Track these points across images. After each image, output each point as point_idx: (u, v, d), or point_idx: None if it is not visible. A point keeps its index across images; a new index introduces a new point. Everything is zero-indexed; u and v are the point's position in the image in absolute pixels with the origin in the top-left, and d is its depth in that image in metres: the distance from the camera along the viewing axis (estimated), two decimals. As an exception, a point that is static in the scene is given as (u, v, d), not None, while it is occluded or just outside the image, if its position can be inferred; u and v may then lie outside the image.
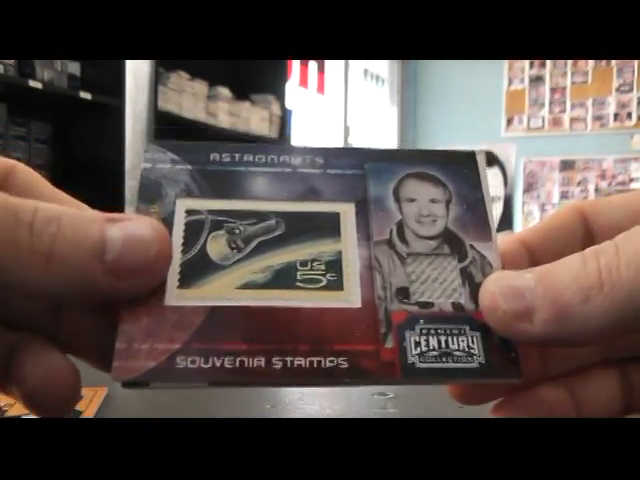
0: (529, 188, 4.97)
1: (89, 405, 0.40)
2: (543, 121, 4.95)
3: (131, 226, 0.20)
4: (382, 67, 5.20)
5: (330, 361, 0.21)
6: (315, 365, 0.21)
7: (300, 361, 0.21)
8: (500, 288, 0.21)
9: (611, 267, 0.19)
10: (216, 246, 0.23)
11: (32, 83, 2.34)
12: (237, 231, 0.23)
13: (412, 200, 0.24)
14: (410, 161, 0.25)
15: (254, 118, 3.56)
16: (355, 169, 0.25)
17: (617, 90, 4.75)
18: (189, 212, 0.23)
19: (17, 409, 0.39)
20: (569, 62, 4.80)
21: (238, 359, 0.21)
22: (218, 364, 0.21)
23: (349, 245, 0.23)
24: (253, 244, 0.23)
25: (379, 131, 5.23)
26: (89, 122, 2.62)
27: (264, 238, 0.23)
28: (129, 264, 0.20)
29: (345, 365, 0.21)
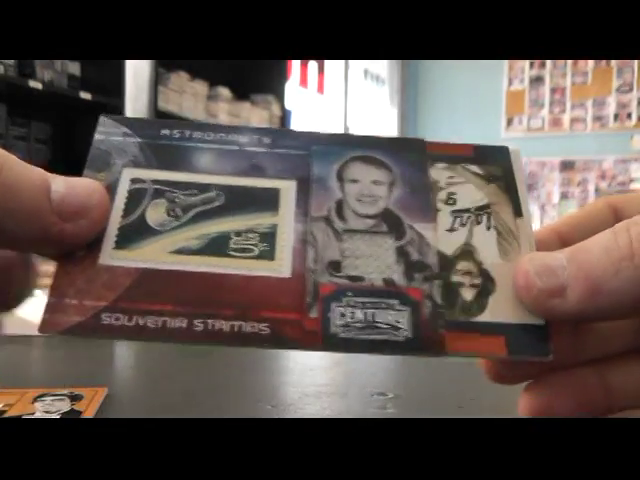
0: (529, 188, 4.97)
1: (89, 405, 0.40)
2: (543, 121, 4.95)
3: (72, 179, 0.22)
4: (382, 67, 5.20)
5: (252, 327, 0.22)
6: (236, 329, 0.22)
7: (222, 324, 0.22)
8: (534, 267, 0.21)
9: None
10: (155, 213, 0.24)
11: (32, 83, 2.34)
12: (177, 200, 0.24)
13: (355, 181, 0.25)
14: (357, 145, 0.26)
15: (254, 118, 3.56)
16: (301, 150, 0.26)
17: (617, 90, 4.75)
18: (133, 181, 0.24)
19: (17, 409, 0.39)
20: (569, 62, 4.80)
21: (161, 319, 0.22)
22: (141, 323, 0.22)
23: (286, 219, 0.24)
24: (191, 213, 0.24)
25: (379, 131, 5.23)
26: (89, 122, 2.61)
27: (203, 208, 0.24)
28: (73, 205, 0.21)
29: (267, 331, 0.22)
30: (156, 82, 3.02)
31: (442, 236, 0.24)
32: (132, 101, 2.89)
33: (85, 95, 2.54)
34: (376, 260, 0.23)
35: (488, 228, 0.24)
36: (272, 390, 0.47)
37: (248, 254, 0.23)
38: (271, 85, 3.66)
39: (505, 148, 0.26)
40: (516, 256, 0.23)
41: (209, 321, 0.22)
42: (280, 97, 3.70)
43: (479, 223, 0.24)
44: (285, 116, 3.74)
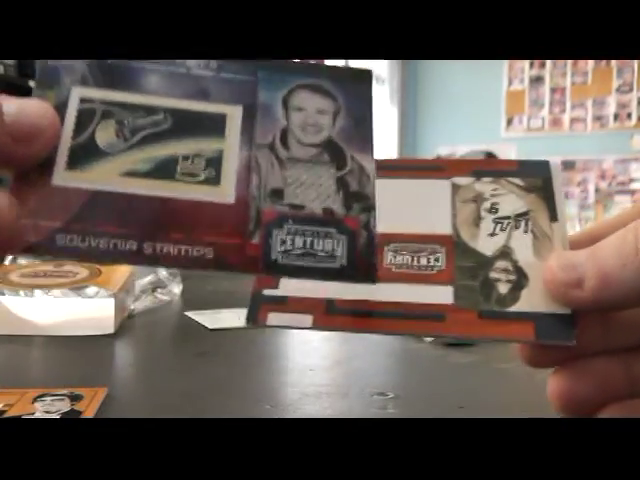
0: (529, 188, 4.96)
1: (89, 405, 0.40)
2: (543, 121, 4.95)
3: (23, 100, 0.22)
4: (382, 67, 5.20)
5: (197, 251, 0.23)
6: (183, 253, 0.23)
7: (169, 248, 0.23)
8: (558, 263, 0.24)
9: None
10: (104, 134, 0.24)
11: (32, 83, 2.34)
12: (126, 122, 0.24)
13: (300, 109, 0.26)
14: (303, 73, 0.26)
15: (254, 118, 3.55)
16: (248, 75, 0.26)
17: (617, 90, 4.75)
18: (82, 100, 0.25)
19: (17, 409, 0.39)
20: (569, 62, 4.80)
21: (112, 241, 0.23)
22: (94, 244, 0.22)
23: (231, 145, 0.25)
24: (139, 136, 0.24)
25: (379, 131, 5.23)
26: (89, 122, 2.61)
27: (151, 131, 0.24)
28: (25, 127, 0.21)
29: (211, 255, 0.23)
30: (156, 82, 3.01)
31: (484, 240, 0.27)
32: None
33: (85, 95, 2.54)
34: (317, 189, 0.25)
35: (525, 232, 0.27)
36: (272, 390, 0.47)
37: (194, 179, 0.24)
38: (271, 85, 3.66)
39: (546, 162, 0.29)
40: (549, 255, 0.26)
41: (157, 244, 0.23)
42: (280, 97, 3.69)
43: (517, 228, 0.27)
44: (285, 116, 3.74)
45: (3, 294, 0.60)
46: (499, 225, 0.27)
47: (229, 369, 0.52)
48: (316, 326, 0.25)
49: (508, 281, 0.26)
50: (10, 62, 2.29)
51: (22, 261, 0.72)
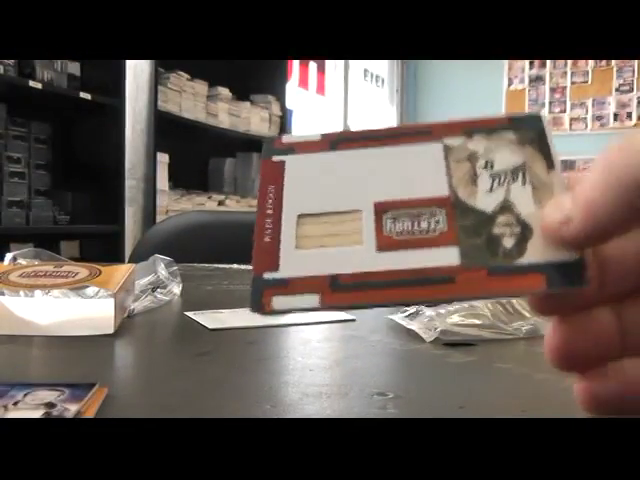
0: (529, 188, 4.96)
1: (89, 405, 0.40)
2: (543, 121, 4.94)
3: None
4: (382, 67, 5.20)
5: None
6: None
7: None
8: (551, 206, 0.25)
9: (607, 151, 0.22)
10: None
11: (32, 83, 2.34)
12: None
13: None
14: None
15: (254, 118, 3.56)
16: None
17: (617, 90, 4.75)
18: None
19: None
20: (569, 62, 4.80)
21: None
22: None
23: None
24: None
25: (379, 131, 5.22)
26: (89, 122, 2.62)
27: None
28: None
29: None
30: (156, 82, 3.02)
31: (482, 197, 0.27)
32: (132, 101, 2.89)
33: (85, 95, 2.54)
34: None
35: (524, 184, 0.27)
36: (272, 390, 0.47)
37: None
38: (271, 85, 3.66)
39: (537, 114, 0.29)
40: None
41: None
42: (280, 97, 3.70)
43: (515, 181, 0.27)
44: (285, 116, 3.74)
45: (3, 294, 0.60)
46: (496, 180, 0.27)
47: (229, 369, 0.52)
48: (324, 305, 0.25)
49: (512, 235, 0.26)
50: (10, 62, 2.29)
51: (22, 261, 0.72)
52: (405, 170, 0.28)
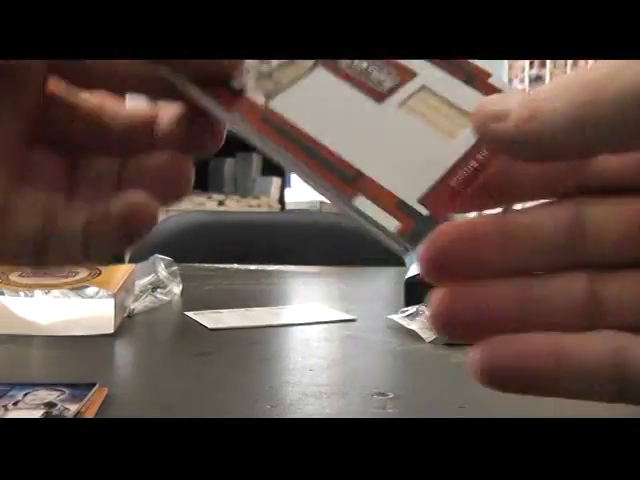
0: (529, 188, 4.97)
1: (89, 405, 0.40)
2: (543, 121, 4.95)
3: None
4: (382, 67, 5.19)
5: None
6: None
7: None
8: (490, 98, 0.23)
9: (585, 71, 0.20)
10: None
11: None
12: None
13: None
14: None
15: (254, 118, 3.55)
16: None
17: (617, 90, 4.74)
18: None
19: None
20: (569, 62, 4.80)
21: None
22: None
23: None
24: None
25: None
26: (89, 122, 2.61)
27: None
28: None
29: None
30: (156, 82, 3.01)
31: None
32: (132, 101, 2.89)
33: (85, 95, 2.53)
34: None
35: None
36: (272, 390, 0.47)
37: None
38: (271, 85, 3.65)
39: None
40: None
41: None
42: (280, 97, 3.69)
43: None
44: (285, 116, 3.73)
45: (3, 294, 0.60)
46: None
47: (229, 369, 0.52)
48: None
49: None
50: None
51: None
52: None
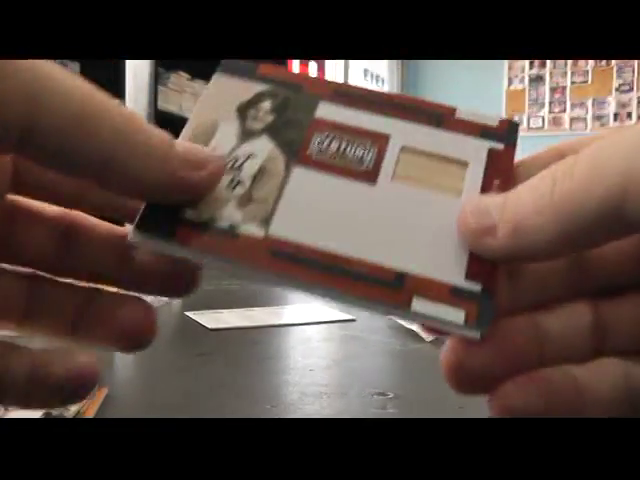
0: (529, 188, 4.96)
1: (89, 405, 0.40)
2: (543, 121, 4.95)
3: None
4: (382, 67, 5.20)
5: None
6: None
7: None
8: (471, 208, 0.22)
9: (565, 176, 0.20)
10: None
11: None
12: None
13: None
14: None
15: (254, 118, 3.55)
16: None
17: (617, 90, 4.75)
18: None
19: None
20: (569, 62, 4.80)
21: None
22: None
23: None
24: None
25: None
26: (89, 122, 2.61)
27: None
28: (196, 156, 0.22)
29: None
30: (156, 82, 3.02)
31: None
32: (132, 101, 2.89)
33: (85, 95, 2.53)
34: None
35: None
36: (272, 390, 0.47)
37: None
38: (271, 85, 3.65)
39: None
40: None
41: None
42: (280, 97, 3.69)
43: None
44: (285, 116, 3.73)
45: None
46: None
47: (229, 369, 0.52)
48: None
49: None
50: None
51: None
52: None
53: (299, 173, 0.23)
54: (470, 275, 0.22)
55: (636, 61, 4.58)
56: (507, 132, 0.26)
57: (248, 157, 0.24)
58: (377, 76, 5.19)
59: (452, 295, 0.21)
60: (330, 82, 0.26)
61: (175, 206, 0.22)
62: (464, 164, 0.24)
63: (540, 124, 4.95)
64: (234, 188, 0.23)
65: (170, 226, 0.22)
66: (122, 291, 0.25)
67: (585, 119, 4.84)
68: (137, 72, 2.94)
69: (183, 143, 0.22)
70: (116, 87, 2.68)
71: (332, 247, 0.22)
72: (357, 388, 0.47)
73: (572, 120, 4.87)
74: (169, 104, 3.07)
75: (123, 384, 0.49)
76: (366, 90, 0.26)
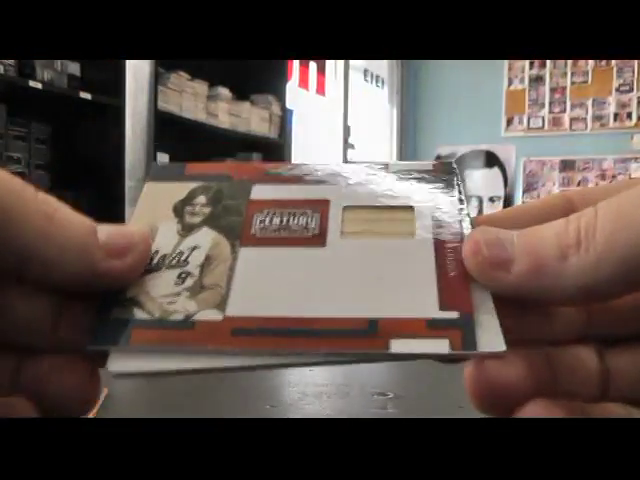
0: (529, 188, 4.97)
1: (89, 405, 0.40)
2: (543, 121, 4.96)
3: (120, 225, 0.23)
4: (382, 67, 5.20)
5: None
6: None
7: None
8: (485, 237, 0.21)
9: (589, 227, 0.20)
10: None
11: (32, 83, 2.35)
12: None
13: None
14: None
15: (254, 118, 3.56)
16: None
17: (617, 90, 4.75)
18: None
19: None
20: (569, 62, 4.80)
21: None
22: None
23: None
24: None
25: (379, 131, 5.23)
26: (89, 122, 2.62)
27: None
28: (119, 243, 0.22)
29: None
30: (156, 82, 3.02)
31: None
32: (132, 101, 2.89)
33: (85, 95, 2.54)
34: None
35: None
36: (272, 390, 0.47)
37: None
38: (271, 85, 3.66)
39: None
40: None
41: None
42: (280, 97, 3.70)
43: None
44: (285, 116, 3.74)
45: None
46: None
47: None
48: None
49: None
50: (10, 62, 2.29)
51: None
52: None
53: (247, 252, 0.24)
54: (444, 305, 0.22)
55: (636, 61, 4.58)
56: (443, 173, 0.26)
57: (193, 249, 0.24)
58: (377, 76, 5.19)
59: (430, 328, 0.21)
60: (256, 166, 0.27)
61: (126, 312, 0.22)
62: (410, 208, 0.25)
63: (540, 124, 4.96)
64: (184, 281, 0.23)
65: (125, 331, 0.22)
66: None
67: (585, 119, 4.85)
68: (137, 72, 2.94)
69: (107, 229, 0.22)
70: (116, 87, 2.68)
71: (296, 312, 0.22)
72: (357, 388, 0.47)
73: (572, 120, 4.88)
74: (169, 104, 3.07)
75: (123, 384, 0.49)
76: (294, 165, 0.26)
